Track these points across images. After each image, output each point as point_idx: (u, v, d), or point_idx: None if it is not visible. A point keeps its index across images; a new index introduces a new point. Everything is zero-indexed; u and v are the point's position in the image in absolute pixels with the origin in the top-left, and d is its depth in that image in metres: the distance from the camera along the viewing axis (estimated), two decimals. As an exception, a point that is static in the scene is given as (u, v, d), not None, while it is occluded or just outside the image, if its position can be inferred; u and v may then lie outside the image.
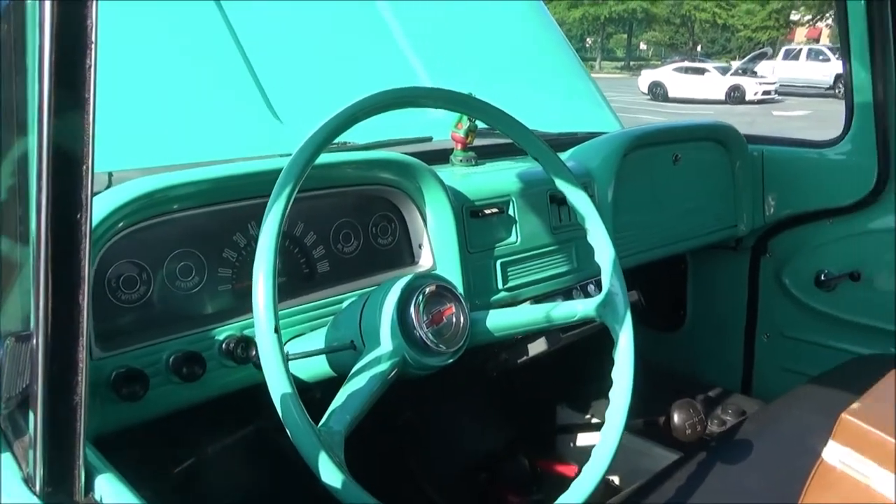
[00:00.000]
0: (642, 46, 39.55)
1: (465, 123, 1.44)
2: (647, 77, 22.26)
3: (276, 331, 0.70)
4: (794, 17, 33.28)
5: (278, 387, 0.69)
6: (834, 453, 1.07)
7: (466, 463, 1.76)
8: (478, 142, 1.50)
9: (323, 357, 0.94)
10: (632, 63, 33.93)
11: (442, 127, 1.51)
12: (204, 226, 0.97)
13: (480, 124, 1.47)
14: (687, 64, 22.80)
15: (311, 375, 0.99)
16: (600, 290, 1.50)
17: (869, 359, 1.72)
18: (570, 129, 1.80)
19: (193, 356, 0.88)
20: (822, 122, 14.56)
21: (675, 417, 1.22)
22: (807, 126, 13.75)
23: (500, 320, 0.97)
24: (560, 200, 1.42)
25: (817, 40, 35.01)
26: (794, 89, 21.04)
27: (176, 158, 1.20)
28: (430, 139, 1.52)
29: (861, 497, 1.04)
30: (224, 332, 0.94)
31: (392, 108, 0.88)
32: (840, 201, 1.93)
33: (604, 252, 1.04)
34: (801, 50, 22.38)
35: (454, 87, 0.98)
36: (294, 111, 1.54)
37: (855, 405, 1.08)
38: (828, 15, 29.88)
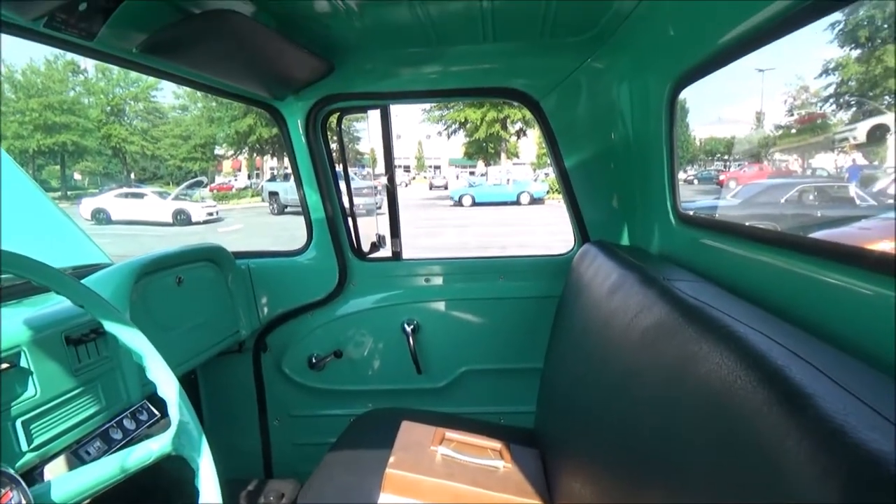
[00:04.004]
0: (77, 176, 37.04)
1: (-62, 272, 1.14)
2: (88, 205, 21.45)
3: None
4: (220, 151, 36.56)
5: None
6: (386, 502, 1.23)
7: None
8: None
9: None
10: (69, 193, 31.45)
11: None
12: None
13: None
14: (126, 190, 22.88)
15: None
16: (136, 421, 1.37)
17: (365, 417, 2.01)
18: (63, 265, 1.60)
19: None
20: (250, 232, 17.16)
21: None
22: (241, 237, 16.09)
23: (68, 487, 0.78)
24: (76, 340, 1.25)
25: (239, 170, 39.15)
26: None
27: None
28: None
29: None
30: None
31: None
32: (316, 296, 2.24)
33: (167, 384, 0.96)
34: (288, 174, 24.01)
35: None
36: None
37: (392, 459, 1.27)
38: (244, 150, 33.92)
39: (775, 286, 1.07)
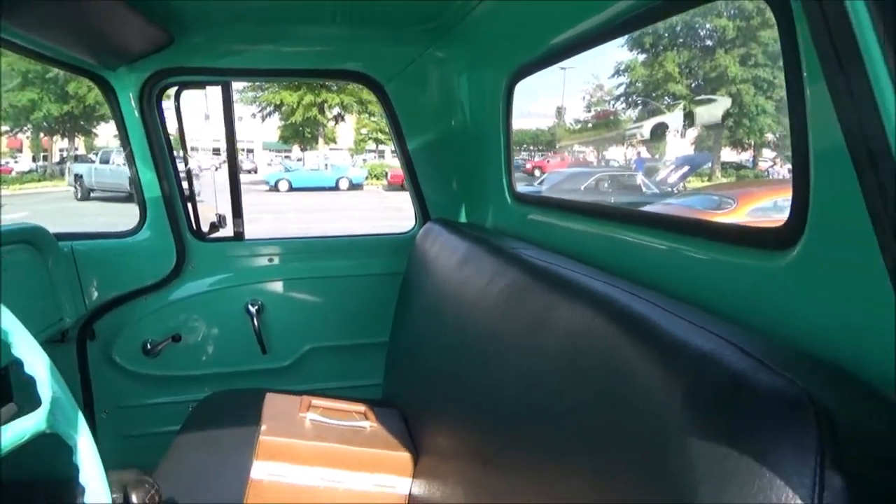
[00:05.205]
0: None
1: None
2: None
3: None
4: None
5: None
6: (261, 470, 1.27)
7: None
8: None
9: None
10: None
11: None
12: None
13: None
14: None
15: None
16: None
17: (210, 399, 1.96)
18: None
19: None
20: (37, 221, 14.85)
21: (134, 496, 1.14)
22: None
23: None
24: None
25: (20, 150, 34.13)
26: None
27: None
28: None
29: (287, 495, 1.27)
30: None
31: None
32: (151, 279, 2.13)
33: (36, 361, 0.91)
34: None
35: None
36: None
37: (264, 427, 1.30)
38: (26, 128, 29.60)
39: (592, 247, 1.29)
